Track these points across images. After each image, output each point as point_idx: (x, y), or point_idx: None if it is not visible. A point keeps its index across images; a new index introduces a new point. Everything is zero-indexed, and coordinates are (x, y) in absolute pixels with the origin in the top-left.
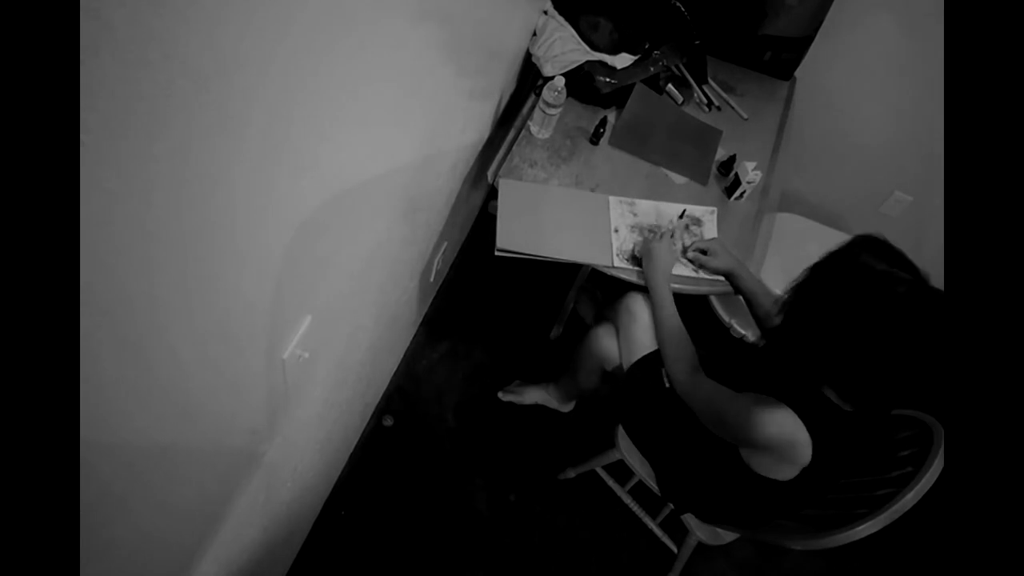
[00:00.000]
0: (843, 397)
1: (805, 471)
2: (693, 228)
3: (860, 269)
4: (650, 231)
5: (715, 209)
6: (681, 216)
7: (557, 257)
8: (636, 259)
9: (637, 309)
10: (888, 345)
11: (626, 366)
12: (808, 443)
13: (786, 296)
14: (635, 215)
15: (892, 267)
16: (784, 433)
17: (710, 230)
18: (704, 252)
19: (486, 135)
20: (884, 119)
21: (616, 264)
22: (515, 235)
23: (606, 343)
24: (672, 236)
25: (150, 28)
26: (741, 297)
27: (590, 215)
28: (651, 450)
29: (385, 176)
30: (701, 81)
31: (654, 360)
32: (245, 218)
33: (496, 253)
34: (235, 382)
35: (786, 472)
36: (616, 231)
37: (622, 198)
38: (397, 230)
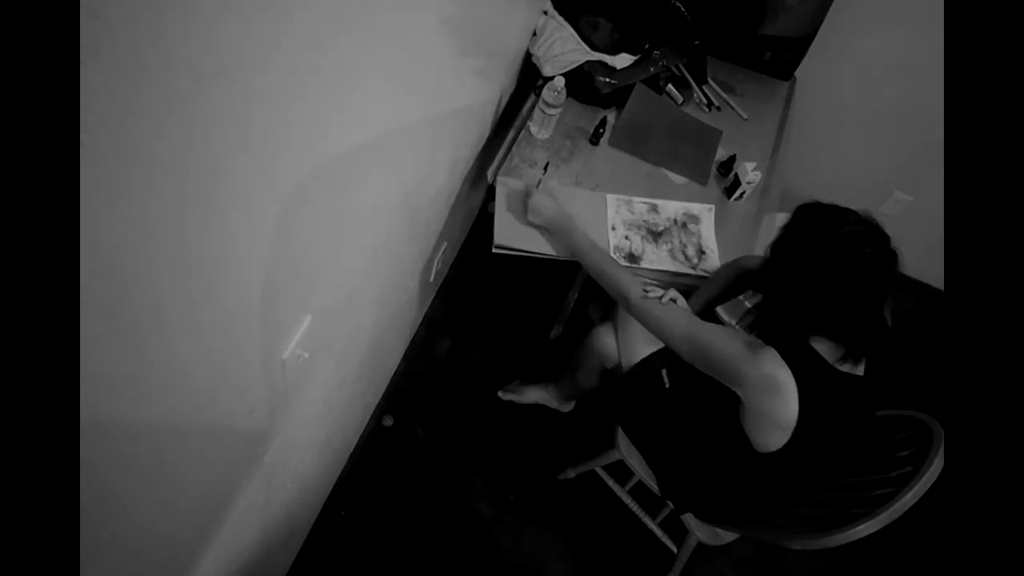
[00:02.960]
0: (837, 340)
1: (794, 439)
2: (691, 226)
3: (834, 233)
4: (648, 230)
5: (713, 207)
6: (545, 169)
7: (553, 253)
8: (633, 256)
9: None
10: (862, 287)
11: (626, 366)
12: (794, 390)
13: (767, 254)
14: (632, 213)
15: (853, 225)
16: (776, 373)
17: (708, 227)
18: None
19: (486, 135)
20: (884, 119)
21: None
22: (512, 232)
23: (607, 342)
24: (539, 184)
25: (150, 28)
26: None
27: (587, 212)
28: (650, 450)
29: (385, 176)
30: (701, 81)
31: (654, 361)
32: (245, 218)
33: (494, 250)
34: (235, 382)
35: (777, 437)
36: (613, 228)
37: (620, 196)
38: (397, 230)
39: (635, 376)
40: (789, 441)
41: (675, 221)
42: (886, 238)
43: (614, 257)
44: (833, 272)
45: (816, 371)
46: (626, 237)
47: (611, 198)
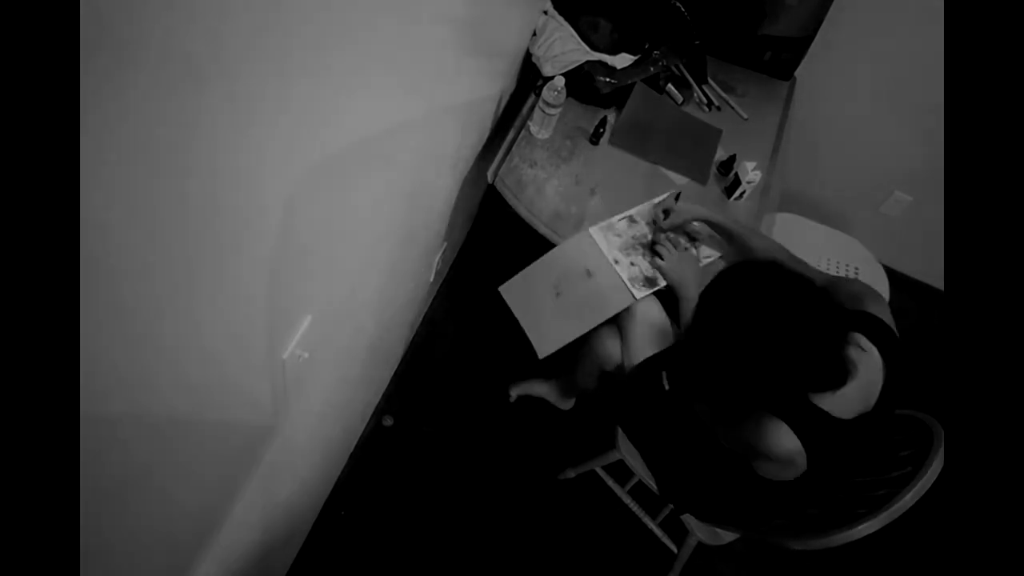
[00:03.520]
0: (822, 389)
1: (804, 475)
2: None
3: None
4: (640, 244)
5: (679, 191)
6: (677, 198)
7: (593, 325)
8: (650, 280)
9: (638, 311)
10: (799, 334)
11: (627, 367)
12: (802, 451)
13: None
14: (619, 235)
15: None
16: (791, 446)
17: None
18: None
19: (486, 135)
20: (884, 119)
21: (639, 297)
22: (549, 335)
23: (608, 343)
24: (670, 242)
25: (150, 28)
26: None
27: (587, 260)
28: (650, 452)
29: (385, 176)
30: (701, 81)
31: (655, 363)
32: (245, 218)
33: (541, 357)
34: (235, 382)
35: (788, 475)
36: (616, 262)
37: (600, 225)
38: (397, 230)
39: (635, 378)
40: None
41: (654, 223)
42: (788, 274)
43: (635, 290)
44: (767, 337)
45: (819, 427)
46: (632, 264)
47: (595, 232)
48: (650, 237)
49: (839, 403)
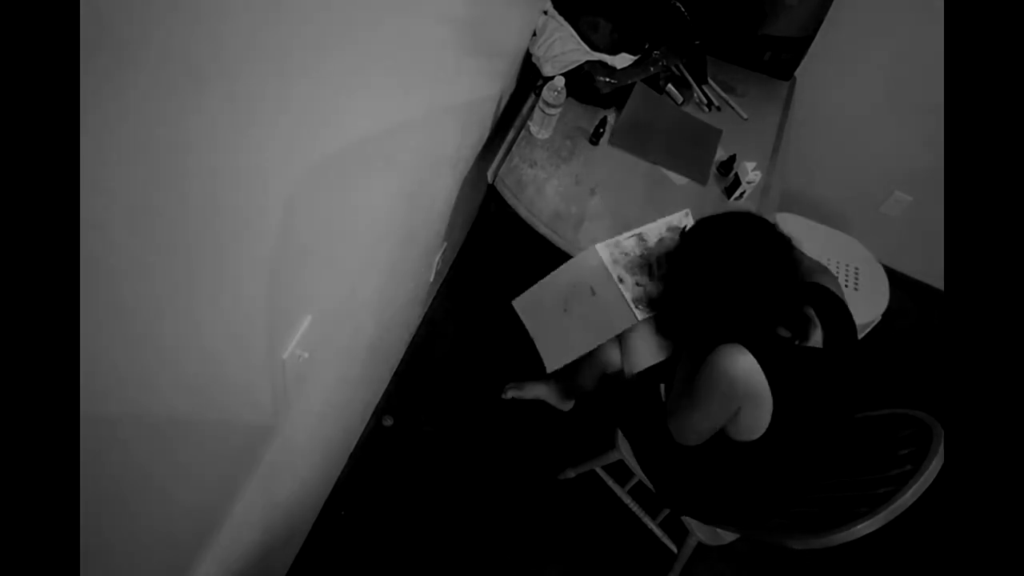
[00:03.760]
0: (776, 324)
1: (776, 420)
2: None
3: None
4: (646, 262)
5: (688, 210)
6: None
7: (597, 344)
8: (653, 301)
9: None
10: (765, 271)
11: (627, 374)
12: (759, 370)
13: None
14: (626, 253)
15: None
16: (747, 366)
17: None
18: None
19: (486, 135)
20: (884, 119)
21: (640, 317)
22: (556, 351)
23: (609, 349)
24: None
25: (150, 28)
26: None
27: (589, 276)
28: (646, 457)
29: (385, 176)
30: (701, 81)
31: (653, 375)
32: (246, 218)
33: (549, 371)
34: (235, 382)
35: (761, 419)
36: (621, 281)
37: (607, 241)
38: (397, 230)
39: (633, 388)
40: (771, 425)
41: (662, 241)
42: (757, 219)
43: (639, 310)
44: (732, 271)
45: (777, 351)
46: (637, 284)
47: (601, 248)
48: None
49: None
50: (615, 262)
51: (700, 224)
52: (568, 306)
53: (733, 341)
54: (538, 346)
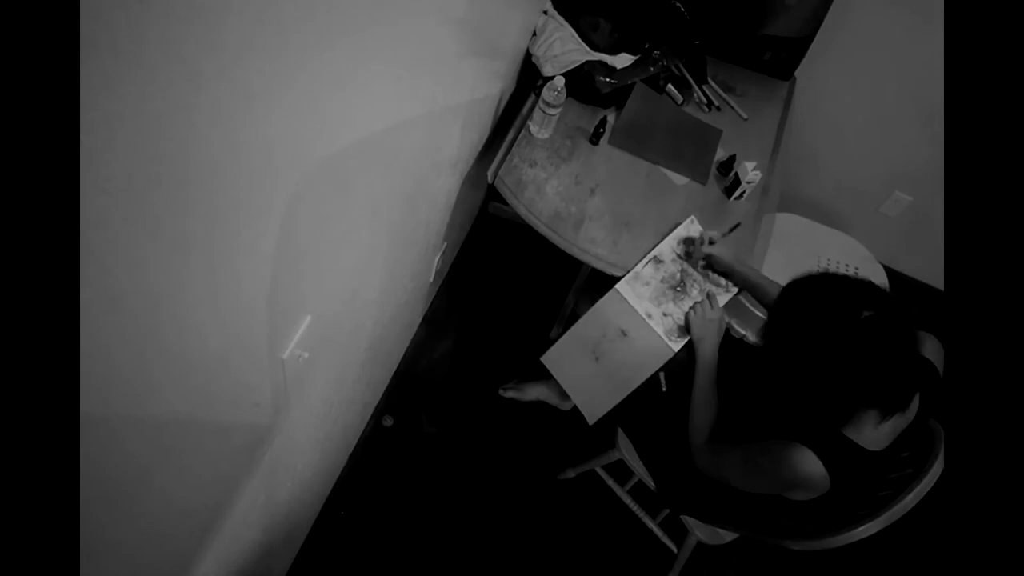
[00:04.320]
0: (880, 410)
1: (826, 497)
2: (693, 250)
3: (833, 314)
4: (670, 287)
5: (693, 217)
6: (702, 257)
7: (636, 385)
8: (684, 329)
9: None
10: (882, 358)
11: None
12: (826, 477)
13: (760, 340)
14: (647, 284)
15: (847, 294)
16: (813, 472)
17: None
18: (709, 265)
19: (486, 135)
20: (884, 119)
21: (676, 349)
22: (595, 402)
23: None
24: (707, 299)
25: (150, 28)
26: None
27: (621, 323)
28: (647, 451)
29: (385, 176)
30: (701, 81)
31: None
32: (246, 218)
33: (591, 424)
34: (235, 382)
35: (809, 497)
36: (650, 317)
37: (626, 278)
38: (397, 230)
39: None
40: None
41: (678, 256)
42: (879, 291)
43: (673, 342)
44: (849, 357)
45: (853, 462)
46: (665, 315)
47: (623, 288)
48: (679, 276)
49: (873, 435)
50: (639, 297)
51: (792, 295)
52: (599, 354)
53: (799, 437)
54: (575, 400)
